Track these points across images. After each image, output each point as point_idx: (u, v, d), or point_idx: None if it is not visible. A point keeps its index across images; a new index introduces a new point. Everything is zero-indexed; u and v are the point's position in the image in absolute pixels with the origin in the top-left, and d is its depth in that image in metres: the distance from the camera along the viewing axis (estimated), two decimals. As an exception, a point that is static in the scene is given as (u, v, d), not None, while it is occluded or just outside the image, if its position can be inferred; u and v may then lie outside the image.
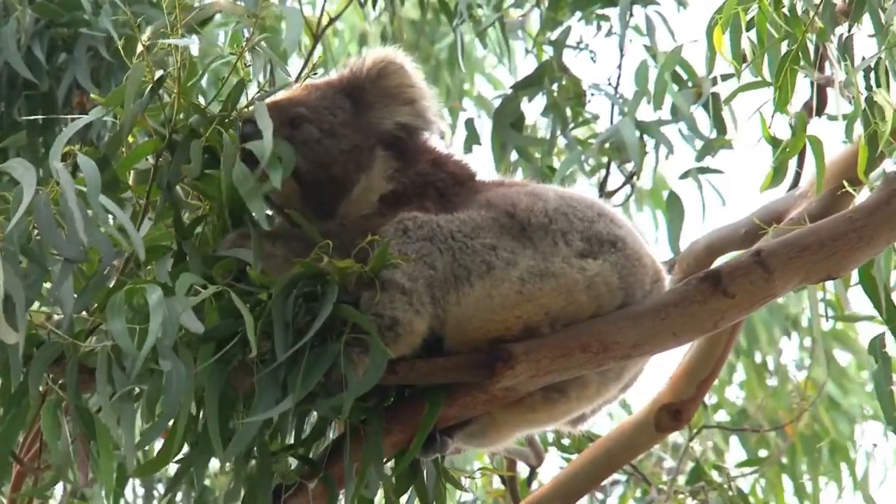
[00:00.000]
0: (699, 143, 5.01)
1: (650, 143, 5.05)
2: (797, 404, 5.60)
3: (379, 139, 3.29)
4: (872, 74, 3.22)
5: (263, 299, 2.92)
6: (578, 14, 5.40)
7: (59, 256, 2.80)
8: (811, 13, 3.23)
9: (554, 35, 5.40)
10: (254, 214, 2.96)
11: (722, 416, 7.93)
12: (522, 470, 5.20)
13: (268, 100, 3.20)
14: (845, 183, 3.35)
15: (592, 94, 5.38)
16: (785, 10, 3.27)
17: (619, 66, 5.36)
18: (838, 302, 3.80)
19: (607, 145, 5.08)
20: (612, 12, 5.35)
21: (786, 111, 3.32)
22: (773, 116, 3.35)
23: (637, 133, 4.98)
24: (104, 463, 2.87)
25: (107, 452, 2.87)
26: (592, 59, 5.48)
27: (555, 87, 5.37)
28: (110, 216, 2.87)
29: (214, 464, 3.41)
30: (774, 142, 3.41)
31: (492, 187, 3.28)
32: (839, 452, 7.58)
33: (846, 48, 3.27)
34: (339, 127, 3.27)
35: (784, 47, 3.31)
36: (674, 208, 5.16)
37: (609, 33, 5.40)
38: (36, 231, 2.83)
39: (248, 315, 2.82)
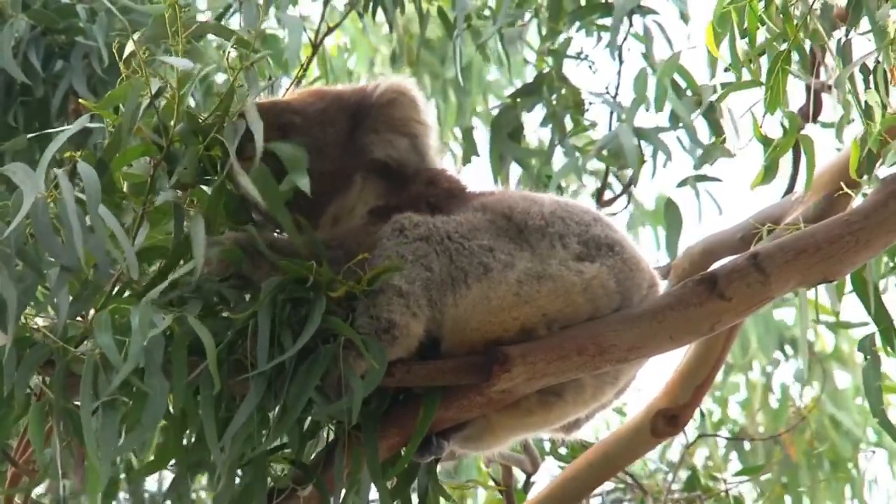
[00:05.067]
0: (697, 152, 5.00)
1: (648, 150, 5.04)
2: (794, 412, 5.59)
3: (365, 165, 3.27)
4: (871, 78, 3.23)
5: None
6: (578, 24, 5.40)
7: (55, 263, 2.79)
8: (806, 14, 3.24)
9: (554, 45, 5.40)
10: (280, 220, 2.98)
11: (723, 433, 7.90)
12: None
13: (266, 99, 3.22)
14: (843, 185, 3.34)
15: (591, 103, 5.38)
16: (779, 11, 3.27)
17: (619, 73, 5.36)
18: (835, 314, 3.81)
19: (605, 152, 5.08)
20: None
21: (776, 112, 3.33)
22: (763, 116, 3.36)
23: (635, 140, 4.98)
24: (91, 468, 2.86)
25: (93, 459, 2.86)
26: (591, 67, 5.48)
27: (553, 96, 5.36)
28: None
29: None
30: (766, 141, 3.42)
31: (484, 195, 3.27)
32: (840, 470, 7.56)
33: (844, 52, 3.28)
34: (328, 146, 3.26)
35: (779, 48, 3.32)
36: (671, 216, 5.16)
37: (609, 44, 5.40)
38: (32, 236, 2.83)
39: (210, 345, 2.80)
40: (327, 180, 3.20)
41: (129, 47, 3.07)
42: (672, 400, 4.18)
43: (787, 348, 8.29)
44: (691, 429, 5.49)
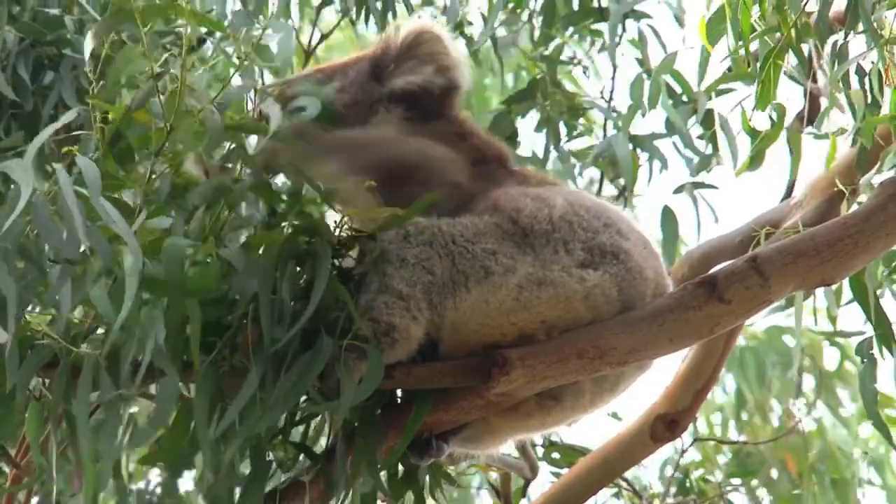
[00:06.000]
0: (694, 159, 5.00)
1: (643, 156, 5.04)
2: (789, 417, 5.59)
3: (388, 96, 3.38)
4: (867, 79, 3.24)
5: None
6: (572, 29, 5.40)
7: (56, 259, 2.77)
8: (799, 12, 3.25)
9: (547, 50, 5.40)
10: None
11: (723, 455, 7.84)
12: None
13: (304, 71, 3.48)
14: (838, 183, 3.36)
15: (585, 109, 5.38)
16: (773, 8, 3.29)
17: (613, 78, 5.36)
18: (832, 321, 3.83)
19: (601, 160, 5.07)
20: (606, 27, 5.35)
21: (766, 107, 3.34)
22: (753, 110, 3.37)
23: (630, 146, 4.98)
24: (86, 469, 2.83)
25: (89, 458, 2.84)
26: (585, 72, 5.48)
27: (547, 102, 5.36)
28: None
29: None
30: (754, 133, 3.44)
31: (513, 181, 3.27)
32: (841, 489, 7.53)
33: (840, 54, 3.29)
34: (349, 84, 3.39)
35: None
36: (668, 222, 5.14)
37: (602, 48, 5.40)
38: (34, 232, 2.81)
39: (192, 300, 2.79)
40: (352, 111, 3.35)
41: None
42: (672, 405, 4.16)
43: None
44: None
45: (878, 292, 3.57)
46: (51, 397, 2.87)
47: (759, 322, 7.61)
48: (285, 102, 3.32)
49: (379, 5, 5.25)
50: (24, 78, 4.66)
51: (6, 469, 3.57)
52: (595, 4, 5.39)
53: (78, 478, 2.96)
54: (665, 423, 4.17)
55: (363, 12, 5.21)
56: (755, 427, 7.82)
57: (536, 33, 5.48)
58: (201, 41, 4.61)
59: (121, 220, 2.80)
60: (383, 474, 3.08)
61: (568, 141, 5.36)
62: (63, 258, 2.74)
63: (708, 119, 4.78)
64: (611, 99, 5.43)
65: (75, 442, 2.84)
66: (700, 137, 4.89)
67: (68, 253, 2.74)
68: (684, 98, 4.90)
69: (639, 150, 5.00)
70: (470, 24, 5.41)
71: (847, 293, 3.70)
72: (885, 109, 3.23)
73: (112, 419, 2.78)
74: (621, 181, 5.25)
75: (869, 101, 3.22)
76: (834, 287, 3.70)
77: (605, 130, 5.34)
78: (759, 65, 3.31)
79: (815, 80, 3.82)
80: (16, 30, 4.68)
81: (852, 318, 3.75)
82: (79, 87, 4.75)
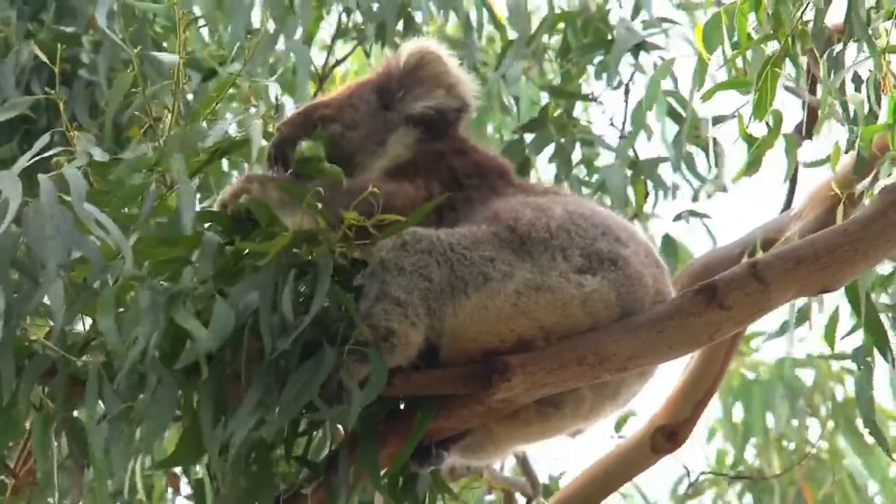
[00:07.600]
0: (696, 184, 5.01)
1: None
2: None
3: (405, 122, 3.39)
4: (864, 87, 3.25)
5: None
6: (588, 64, 5.43)
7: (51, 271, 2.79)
8: (796, 20, 3.27)
9: (571, 87, 5.43)
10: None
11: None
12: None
13: (303, 106, 3.46)
14: (833, 184, 3.36)
15: (596, 137, 5.39)
16: (770, 16, 3.30)
17: (625, 99, 5.37)
18: (831, 335, 3.82)
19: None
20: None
21: (763, 116, 3.36)
22: (749, 119, 3.39)
23: (629, 173, 5.01)
24: (98, 480, 2.83)
25: (101, 469, 2.83)
26: (595, 101, 5.49)
27: (563, 138, 5.37)
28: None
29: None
30: (750, 140, 3.46)
31: (513, 191, 3.28)
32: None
33: (837, 62, 3.30)
34: (362, 118, 3.41)
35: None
36: (669, 250, 5.14)
37: (617, 86, 5.42)
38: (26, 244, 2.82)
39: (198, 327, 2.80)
40: (370, 144, 3.36)
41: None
42: (672, 416, 4.16)
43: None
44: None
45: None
46: (52, 406, 2.88)
47: (767, 353, 7.60)
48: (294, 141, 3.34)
49: (398, 40, 5.30)
50: (37, 94, 4.70)
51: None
52: (609, 37, 5.43)
53: (76, 487, 2.95)
54: (665, 435, 4.16)
55: (380, 43, 5.26)
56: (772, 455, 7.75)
57: (548, 66, 5.51)
58: (213, 72, 4.67)
59: (114, 227, 2.82)
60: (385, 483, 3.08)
61: (587, 172, 5.37)
62: (54, 266, 2.74)
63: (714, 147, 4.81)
64: (623, 130, 5.43)
65: (81, 452, 2.85)
66: (717, 190, 4.90)
67: (55, 262, 2.74)
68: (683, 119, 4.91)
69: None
70: (484, 64, 5.44)
71: (846, 321, 3.72)
72: (882, 118, 3.24)
73: (118, 425, 2.79)
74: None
75: (866, 109, 3.23)
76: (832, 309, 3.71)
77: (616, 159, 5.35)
78: (756, 73, 3.32)
79: (813, 93, 3.84)
80: (30, 46, 4.73)
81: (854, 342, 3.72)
82: (92, 105, 4.81)
